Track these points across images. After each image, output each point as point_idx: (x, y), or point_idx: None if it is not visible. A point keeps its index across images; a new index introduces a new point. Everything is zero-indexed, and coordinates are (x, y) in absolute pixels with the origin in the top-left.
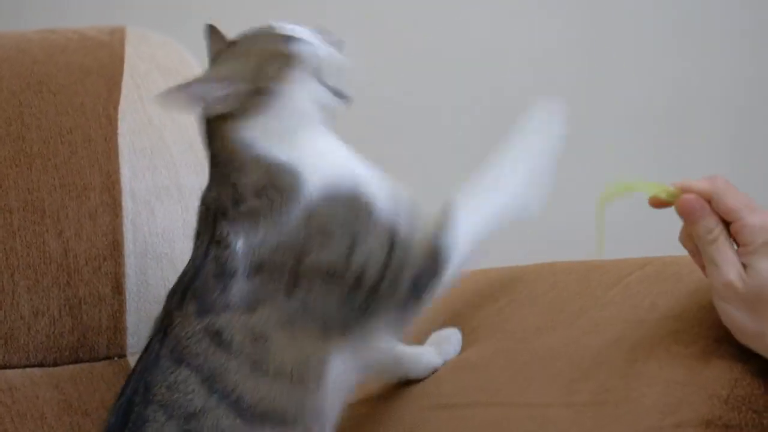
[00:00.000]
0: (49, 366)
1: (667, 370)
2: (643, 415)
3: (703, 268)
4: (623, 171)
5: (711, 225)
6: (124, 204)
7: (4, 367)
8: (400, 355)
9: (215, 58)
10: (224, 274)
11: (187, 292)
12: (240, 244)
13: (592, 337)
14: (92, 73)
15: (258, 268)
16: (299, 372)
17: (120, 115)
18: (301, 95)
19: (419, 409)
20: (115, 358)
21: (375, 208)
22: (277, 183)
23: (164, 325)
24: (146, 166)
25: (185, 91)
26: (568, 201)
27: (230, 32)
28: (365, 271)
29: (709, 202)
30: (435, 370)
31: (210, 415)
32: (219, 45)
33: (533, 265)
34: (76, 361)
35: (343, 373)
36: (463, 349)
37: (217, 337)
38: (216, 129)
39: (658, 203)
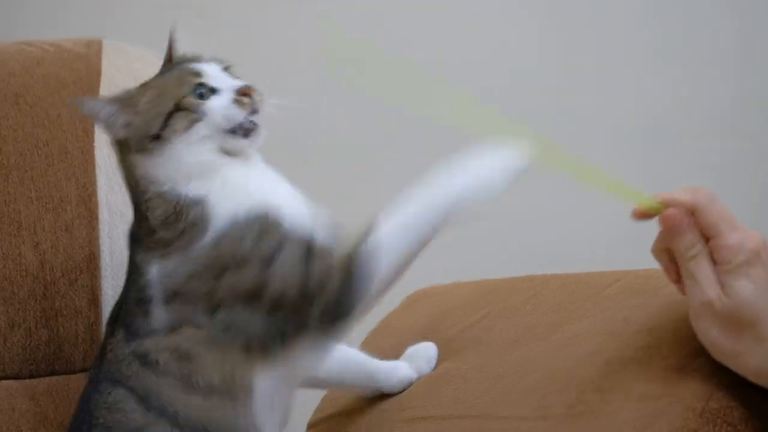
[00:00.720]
0: (25, 378)
1: (643, 383)
2: (618, 428)
3: (675, 282)
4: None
5: (693, 241)
6: (100, 216)
7: None
8: (374, 370)
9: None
10: (143, 300)
11: (117, 320)
12: (154, 272)
13: (568, 350)
14: (69, 86)
15: (173, 295)
16: (227, 387)
17: (96, 128)
18: (198, 147)
19: (394, 422)
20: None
21: (285, 227)
22: (184, 216)
23: (101, 354)
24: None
25: (83, 104)
26: (548, 214)
27: (205, 41)
28: (283, 289)
29: (691, 214)
30: (410, 384)
31: (152, 431)
32: (167, 60)
33: (510, 278)
34: (52, 374)
35: (273, 389)
36: (439, 362)
37: (143, 358)
38: (123, 156)
39: (641, 215)
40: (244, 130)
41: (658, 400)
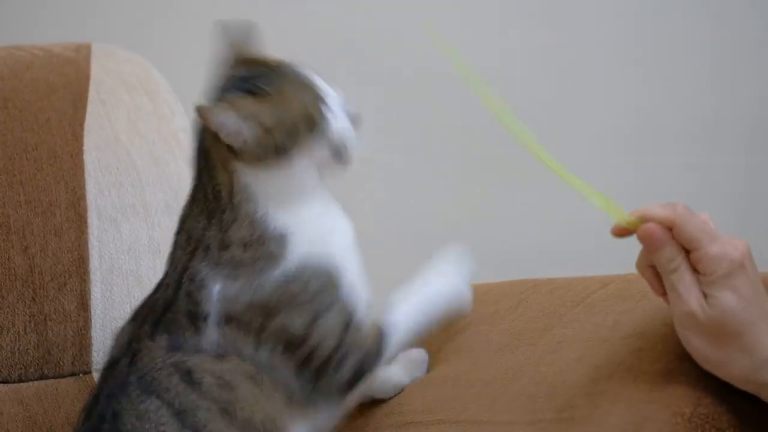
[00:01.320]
0: (13, 382)
1: (631, 387)
2: None
3: (661, 295)
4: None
5: (673, 254)
6: (89, 221)
7: None
8: None
9: (251, 77)
10: (197, 315)
11: (159, 324)
12: (217, 290)
13: (556, 356)
14: (58, 90)
15: (228, 319)
16: (268, 428)
17: (86, 132)
18: (310, 162)
19: (384, 428)
20: (81, 375)
21: (342, 288)
22: (264, 244)
23: (132, 351)
24: (112, 183)
25: (213, 115)
26: (537, 219)
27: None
28: (320, 345)
29: (670, 229)
30: (401, 389)
31: None
32: (245, 55)
33: (498, 283)
34: (41, 378)
35: None
36: (430, 367)
37: (187, 375)
38: (221, 157)
39: (620, 232)
40: (342, 155)
41: (646, 405)
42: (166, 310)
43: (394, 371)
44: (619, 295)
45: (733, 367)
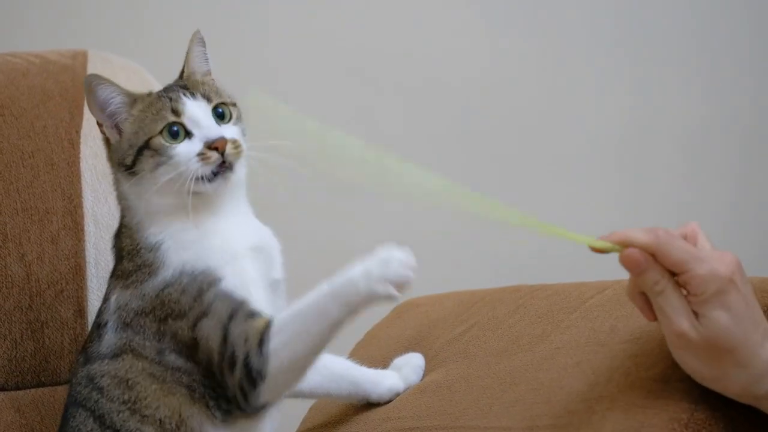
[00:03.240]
0: (10, 390)
1: (628, 393)
2: None
3: (653, 320)
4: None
5: (657, 277)
6: (86, 228)
7: None
8: (359, 378)
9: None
10: (100, 325)
11: (84, 345)
12: (113, 300)
13: (554, 361)
14: (54, 97)
15: (125, 326)
16: (175, 425)
17: (82, 139)
18: (164, 188)
19: None
20: None
21: (220, 287)
22: (141, 254)
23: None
24: (108, 191)
25: (97, 83)
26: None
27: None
28: (208, 346)
29: (653, 255)
30: (397, 395)
31: None
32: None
33: (496, 289)
34: (38, 385)
35: None
36: (427, 372)
37: (91, 382)
38: (111, 162)
39: (598, 251)
40: (208, 176)
41: (643, 410)
42: (90, 332)
43: (388, 374)
44: (616, 301)
45: (729, 382)
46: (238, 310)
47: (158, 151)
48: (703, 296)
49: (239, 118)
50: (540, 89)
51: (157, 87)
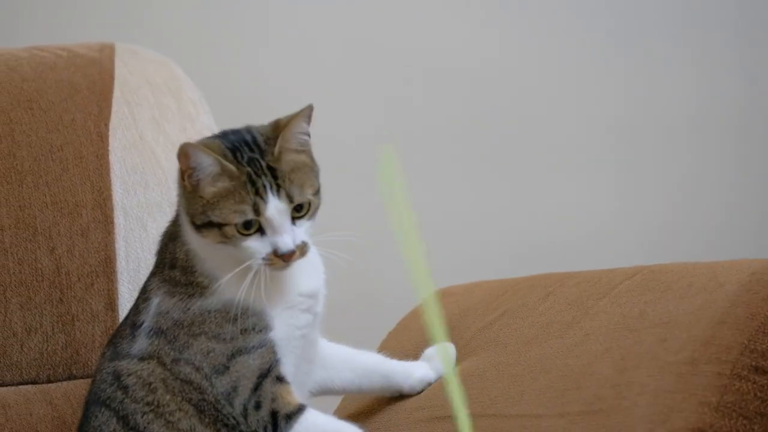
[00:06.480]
0: (42, 383)
1: (657, 378)
2: (634, 425)
3: None
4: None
5: None
6: (116, 221)
7: None
8: (390, 371)
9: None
10: (136, 325)
11: (112, 338)
12: (155, 303)
13: (584, 348)
14: (82, 90)
15: (160, 332)
16: None
17: (111, 132)
18: (223, 253)
19: (413, 422)
20: None
21: (268, 335)
22: (197, 277)
23: (96, 372)
24: (138, 183)
25: (194, 153)
26: (562, 214)
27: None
28: (238, 382)
29: None
30: (429, 385)
31: None
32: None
33: (526, 277)
34: (69, 378)
35: None
36: (458, 362)
37: (117, 379)
38: (182, 190)
39: None
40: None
41: (672, 395)
42: (120, 326)
43: (419, 365)
44: (645, 286)
45: None
46: (273, 368)
47: (227, 236)
48: None
49: (317, 209)
50: (539, 82)
51: (185, 79)
